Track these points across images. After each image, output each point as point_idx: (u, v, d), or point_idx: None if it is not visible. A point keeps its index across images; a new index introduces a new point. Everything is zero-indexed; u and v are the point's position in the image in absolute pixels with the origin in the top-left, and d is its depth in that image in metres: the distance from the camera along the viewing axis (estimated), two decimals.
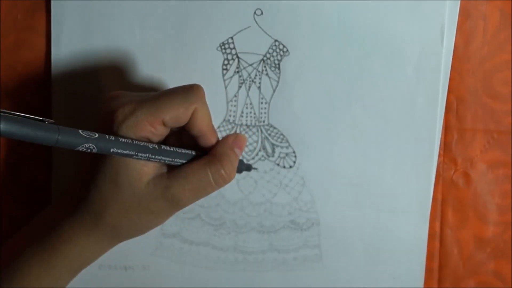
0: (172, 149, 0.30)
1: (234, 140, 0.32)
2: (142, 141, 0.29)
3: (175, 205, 0.30)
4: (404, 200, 0.39)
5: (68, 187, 0.33)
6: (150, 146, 0.29)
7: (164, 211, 0.31)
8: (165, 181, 0.30)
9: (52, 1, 0.38)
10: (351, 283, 0.40)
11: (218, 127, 0.39)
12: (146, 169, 0.29)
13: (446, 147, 0.40)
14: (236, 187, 0.39)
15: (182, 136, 0.33)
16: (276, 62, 0.38)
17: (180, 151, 0.31)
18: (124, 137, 0.28)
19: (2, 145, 0.39)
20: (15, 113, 0.25)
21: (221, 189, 0.39)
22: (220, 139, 0.33)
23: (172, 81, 0.38)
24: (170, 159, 0.30)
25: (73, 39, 0.38)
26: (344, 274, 0.40)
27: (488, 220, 0.40)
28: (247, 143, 0.39)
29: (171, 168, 0.31)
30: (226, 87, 0.38)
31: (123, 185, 0.29)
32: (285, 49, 0.38)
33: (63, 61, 0.38)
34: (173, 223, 0.39)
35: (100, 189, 0.29)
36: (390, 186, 0.39)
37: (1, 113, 0.23)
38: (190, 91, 0.30)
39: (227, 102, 0.38)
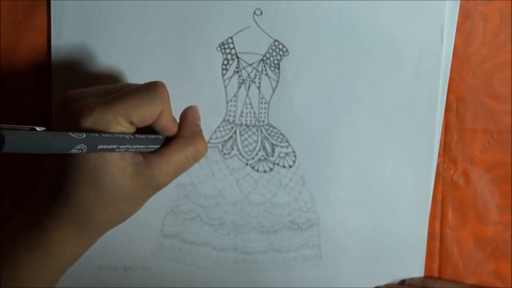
0: (144, 137, 0.31)
1: (192, 114, 0.35)
2: (120, 133, 0.29)
3: (158, 189, 0.32)
4: (404, 200, 0.39)
5: (41, 188, 0.32)
6: (127, 137, 0.29)
7: (148, 197, 0.33)
8: (147, 170, 0.31)
9: (52, 1, 0.38)
10: (351, 283, 0.40)
11: (218, 127, 0.39)
12: (124, 162, 0.30)
13: (446, 147, 0.40)
14: (236, 187, 0.39)
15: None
16: (276, 62, 0.38)
17: (151, 137, 0.32)
18: (104, 132, 0.28)
19: None
20: (8, 125, 0.24)
21: (221, 189, 0.39)
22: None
23: (172, 81, 0.38)
24: (144, 147, 0.31)
25: (73, 39, 0.38)
26: (344, 273, 0.40)
27: (488, 220, 0.40)
28: (247, 143, 0.39)
29: (146, 155, 0.31)
30: (225, 87, 0.38)
31: (108, 184, 0.29)
32: (284, 49, 0.38)
33: (63, 61, 0.38)
34: (173, 223, 0.39)
35: (83, 192, 0.30)
36: (390, 186, 0.39)
37: (3, 131, 0.22)
38: (156, 93, 0.30)
39: (227, 102, 0.38)
